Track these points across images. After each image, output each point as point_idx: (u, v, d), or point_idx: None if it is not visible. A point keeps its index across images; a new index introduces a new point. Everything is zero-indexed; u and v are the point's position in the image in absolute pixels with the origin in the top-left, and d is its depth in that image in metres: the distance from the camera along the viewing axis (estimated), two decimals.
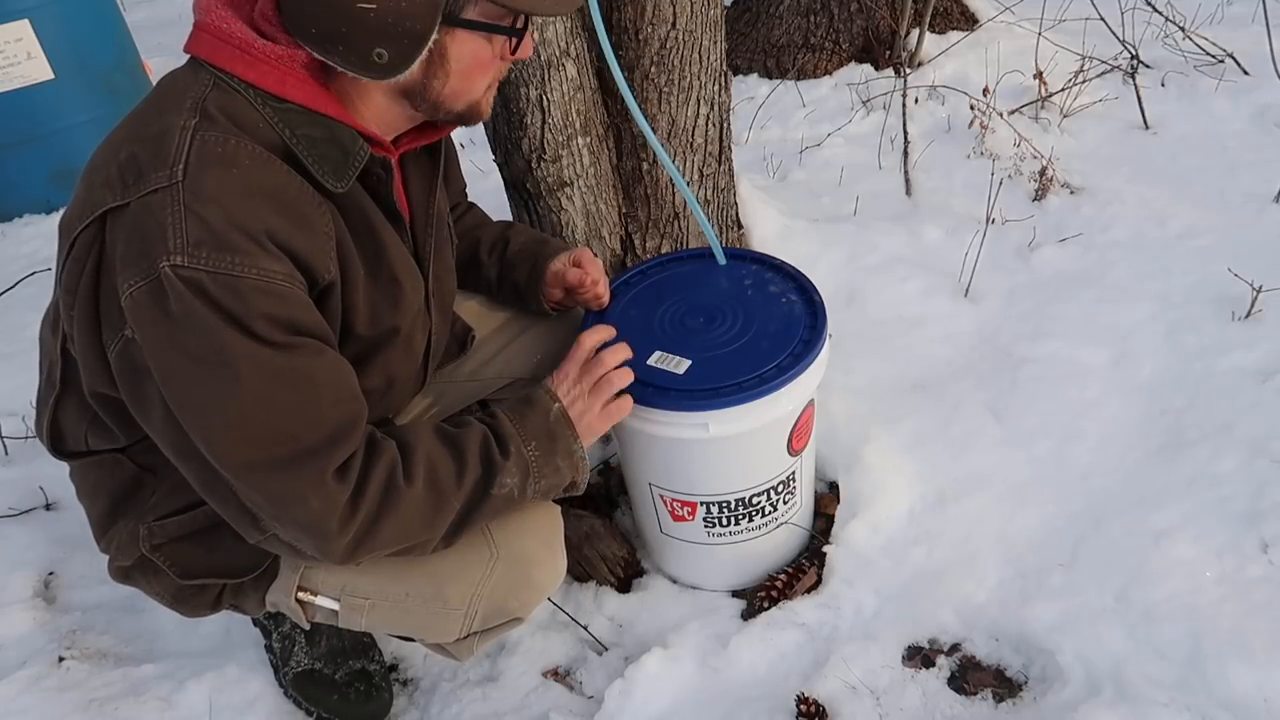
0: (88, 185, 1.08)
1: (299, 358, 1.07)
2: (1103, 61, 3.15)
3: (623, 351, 1.38)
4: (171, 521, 1.25)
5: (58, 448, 1.31)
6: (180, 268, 0.99)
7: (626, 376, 1.37)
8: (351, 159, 1.14)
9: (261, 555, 1.30)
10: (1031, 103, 3.01)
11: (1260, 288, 2.08)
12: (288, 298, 1.05)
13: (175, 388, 1.04)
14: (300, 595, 1.34)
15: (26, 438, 2.23)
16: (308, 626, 1.43)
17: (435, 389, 1.59)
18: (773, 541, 1.72)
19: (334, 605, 1.35)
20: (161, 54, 4.24)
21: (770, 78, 3.53)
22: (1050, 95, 2.99)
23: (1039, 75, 3.01)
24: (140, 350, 1.03)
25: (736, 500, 1.60)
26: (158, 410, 1.07)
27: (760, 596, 1.72)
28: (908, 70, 3.27)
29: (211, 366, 1.02)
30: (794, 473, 1.63)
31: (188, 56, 1.13)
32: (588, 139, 1.75)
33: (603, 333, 1.41)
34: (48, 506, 2.05)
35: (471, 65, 1.14)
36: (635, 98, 1.55)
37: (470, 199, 1.70)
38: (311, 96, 1.11)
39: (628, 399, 1.38)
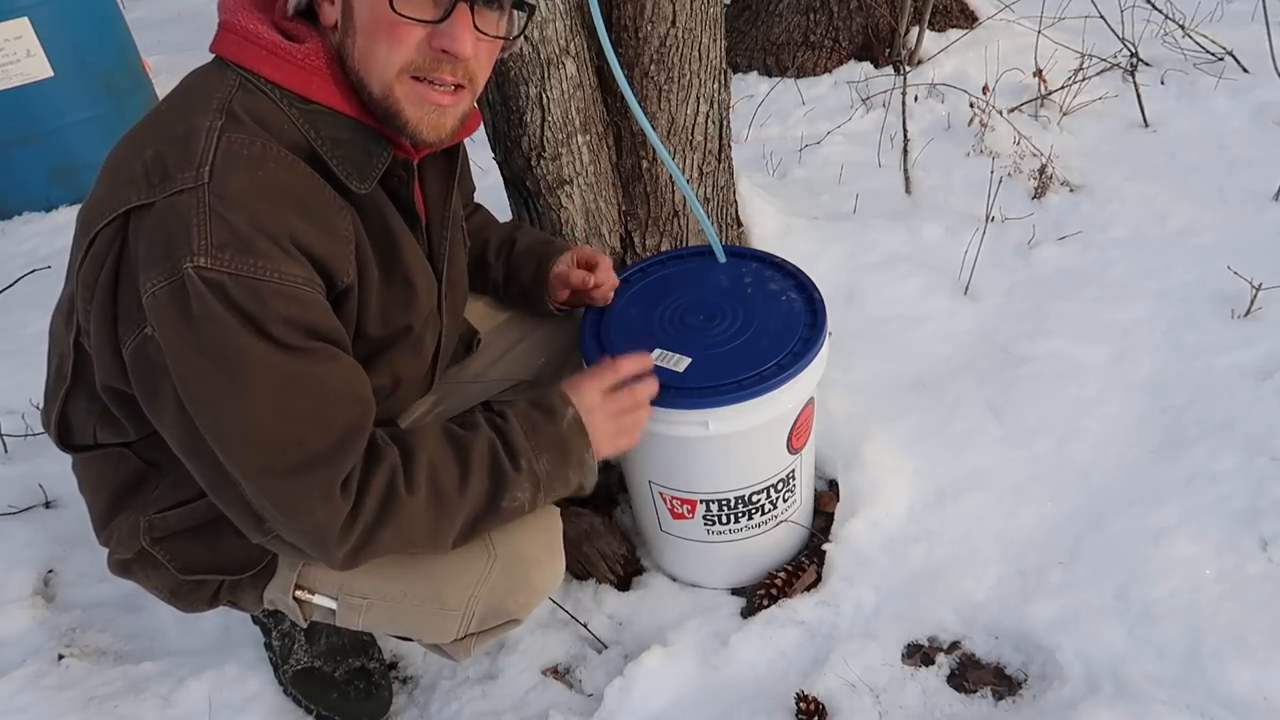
0: (111, 182, 1.08)
1: (313, 363, 1.07)
2: (1102, 59, 3.16)
3: (651, 385, 1.36)
4: (172, 514, 1.26)
5: (65, 440, 1.31)
6: (203, 269, 1.00)
7: (647, 413, 1.36)
8: (375, 160, 1.15)
9: (261, 552, 1.30)
10: (1031, 100, 3.01)
11: (1260, 285, 2.08)
12: (307, 302, 1.06)
13: (192, 387, 1.04)
14: (298, 593, 1.34)
15: (26, 435, 2.23)
16: (305, 624, 1.43)
17: (439, 390, 1.59)
18: (772, 539, 1.72)
19: (331, 604, 1.35)
20: (161, 51, 4.24)
21: (770, 75, 3.53)
22: (1050, 93, 2.99)
23: (1039, 73, 3.01)
24: (158, 348, 1.04)
25: (736, 498, 1.60)
26: (171, 408, 1.07)
27: (760, 594, 1.72)
28: (907, 68, 3.27)
29: (228, 369, 1.03)
30: (793, 471, 1.63)
31: (213, 56, 1.14)
32: (587, 137, 1.75)
33: (638, 363, 1.38)
34: (47, 504, 2.05)
35: (373, 22, 1.08)
36: (635, 95, 1.55)
37: None
38: (336, 97, 1.12)
39: (638, 432, 1.37)
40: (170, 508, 1.26)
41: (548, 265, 1.57)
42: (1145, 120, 2.90)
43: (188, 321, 1.01)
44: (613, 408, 1.31)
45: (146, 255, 1.02)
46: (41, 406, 1.33)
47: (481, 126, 1.79)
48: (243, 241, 1.01)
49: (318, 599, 1.35)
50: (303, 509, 1.08)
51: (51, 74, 3.35)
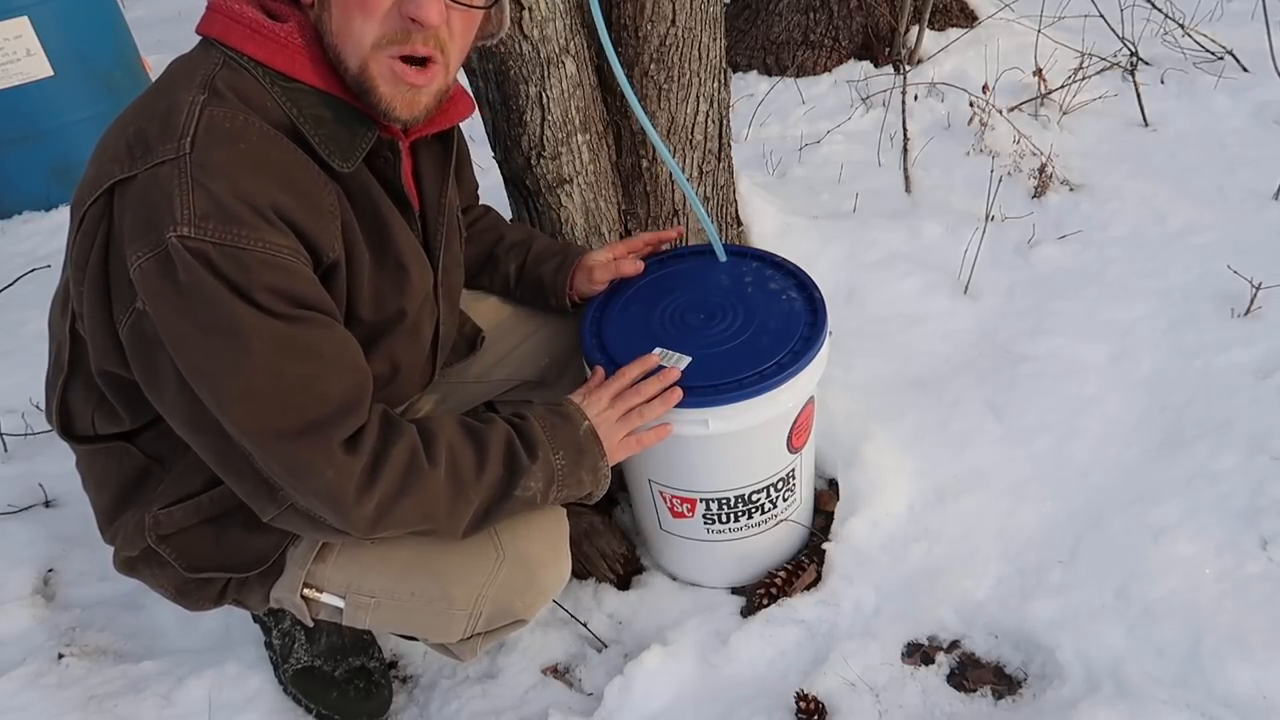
0: (97, 162, 1.09)
1: (304, 330, 1.07)
2: (1102, 58, 3.16)
3: (657, 383, 1.39)
4: (177, 509, 1.25)
5: (67, 430, 1.31)
6: (187, 238, 1.00)
7: (657, 411, 1.37)
8: (359, 140, 1.15)
9: (268, 550, 1.30)
10: (1031, 100, 3.01)
11: (1259, 284, 2.08)
12: (292, 271, 1.06)
13: (187, 357, 1.05)
14: (305, 592, 1.34)
15: (26, 435, 2.23)
16: (311, 624, 1.43)
17: (442, 389, 1.60)
18: (772, 538, 1.72)
19: (339, 603, 1.35)
20: (161, 50, 4.22)
21: (770, 75, 3.53)
22: (1050, 92, 2.99)
23: (1038, 72, 3.01)
24: (151, 322, 1.04)
25: (736, 497, 1.60)
26: (170, 382, 1.08)
27: (760, 593, 1.72)
28: (907, 67, 3.26)
29: (221, 336, 1.03)
30: (793, 470, 1.63)
31: (199, 38, 1.14)
32: (587, 136, 1.75)
33: (644, 365, 1.42)
34: (47, 503, 2.05)
35: None
36: (635, 94, 1.55)
37: None
38: (318, 76, 1.12)
39: (648, 434, 1.39)
40: (175, 502, 1.26)
41: (572, 259, 1.60)
42: (1145, 119, 2.90)
43: (177, 291, 1.01)
44: (619, 411, 1.34)
45: (131, 229, 1.03)
46: (44, 398, 1.33)
47: (482, 126, 1.80)
48: (225, 211, 1.01)
49: (325, 598, 1.35)
50: (311, 469, 1.09)
51: (51, 73, 3.35)
